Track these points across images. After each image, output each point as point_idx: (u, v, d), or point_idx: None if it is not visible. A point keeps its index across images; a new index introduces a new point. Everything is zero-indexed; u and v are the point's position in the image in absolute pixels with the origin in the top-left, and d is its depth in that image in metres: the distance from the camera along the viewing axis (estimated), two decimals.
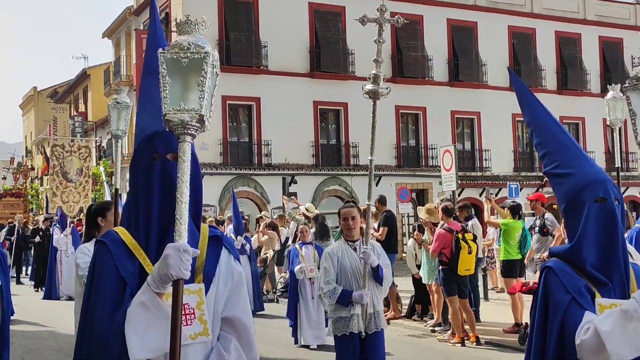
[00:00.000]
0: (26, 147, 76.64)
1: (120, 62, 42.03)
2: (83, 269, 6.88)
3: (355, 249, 7.88)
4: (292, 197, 23.45)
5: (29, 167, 53.57)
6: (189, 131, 3.01)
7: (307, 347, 13.28)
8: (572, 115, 42.90)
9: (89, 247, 7.02)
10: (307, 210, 18.42)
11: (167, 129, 3.06)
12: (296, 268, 13.52)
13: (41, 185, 57.28)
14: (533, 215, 15.24)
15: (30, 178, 49.51)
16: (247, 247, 17.77)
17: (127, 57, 41.21)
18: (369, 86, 7.85)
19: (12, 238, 27.92)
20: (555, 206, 41.17)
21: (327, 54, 36.43)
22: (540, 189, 38.99)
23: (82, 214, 30.99)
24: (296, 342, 13.51)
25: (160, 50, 3.04)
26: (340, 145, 36.71)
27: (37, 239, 26.48)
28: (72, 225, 22.90)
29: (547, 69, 42.42)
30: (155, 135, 3.32)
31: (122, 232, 3.30)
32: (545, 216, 14.23)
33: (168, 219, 3.13)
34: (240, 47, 34.53)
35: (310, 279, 13.44)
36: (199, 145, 32.41)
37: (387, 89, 7.87)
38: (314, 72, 35.90)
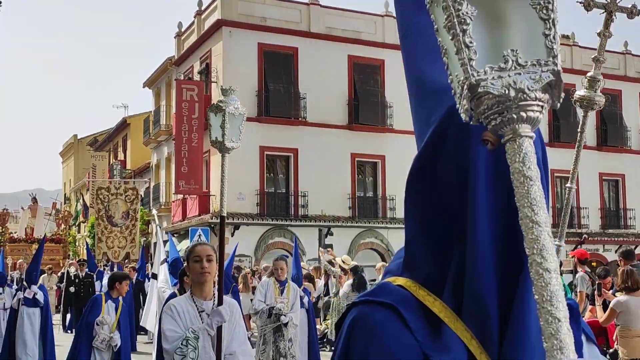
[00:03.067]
0: (65, 194, 77.46)
1: (160, 112, 42.41)
2: (170, 340, 5.60)
3: None
4: (328, 249, 23.34)
5: (68, 212, 53.97)
6: (529, 111, 1.29)
7: None
8: (612, 172, 42.45)
9: (178, 307, 5.79)
10: (343, 262, 18.29)
11: (474, 115, 1.32)
12: None
13: (78, 232, 57.75)
14: (571, 272, 14.97)
15: (69, 225, 49.87)
16: (305, 299, 14.32)
17: (167, 106, 41.57)
18: (581, 92, 5.92)
19: (62, 285, 26.53)
20: (594, 263, 40.57)
21: (366, 106, 36.56)
22: (579, 246, 38.46)
23: (128, 260, 30.56)
24: None
25: None
26: (377, 198, 36.58)
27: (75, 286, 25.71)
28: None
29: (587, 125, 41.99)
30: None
31: (412, 289, 1.68)
32: (577, 274, 13.88)
33: (512, 265, 1.59)
34: (280, 98, 34.70)
35: None
36: (235, 196, 32.49)
37: (603, 97, 5.94)
38: (352, 125, 35.93)
